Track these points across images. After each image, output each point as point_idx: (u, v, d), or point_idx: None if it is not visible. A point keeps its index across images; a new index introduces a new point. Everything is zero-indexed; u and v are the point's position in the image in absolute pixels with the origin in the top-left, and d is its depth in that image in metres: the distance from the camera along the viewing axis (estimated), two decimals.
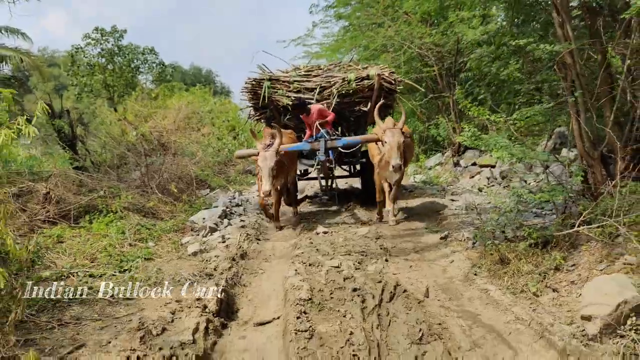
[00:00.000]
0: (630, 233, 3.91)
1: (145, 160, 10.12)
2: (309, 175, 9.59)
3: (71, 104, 19.91)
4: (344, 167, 9.59)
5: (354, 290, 4.19)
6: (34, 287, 4.15)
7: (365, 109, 8.45)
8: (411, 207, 8.51)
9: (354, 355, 3.14)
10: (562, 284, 3.98)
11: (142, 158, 10.88)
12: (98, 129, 16.12)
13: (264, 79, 8.56)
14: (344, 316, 3.73)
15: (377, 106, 7.12)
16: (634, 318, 3.06)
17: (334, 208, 8.99)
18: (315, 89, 8.53)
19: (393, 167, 6.11)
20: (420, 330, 3.46)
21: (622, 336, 3.05)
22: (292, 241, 6.50)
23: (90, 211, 7.39)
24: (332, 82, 8.51)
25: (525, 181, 7.78)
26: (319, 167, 7.69)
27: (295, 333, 3.44)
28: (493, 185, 9.50)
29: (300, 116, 8.14)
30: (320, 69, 9.29)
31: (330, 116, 8.04)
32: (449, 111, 13.20)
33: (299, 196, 9.56)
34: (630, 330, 3.03)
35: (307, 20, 32.91)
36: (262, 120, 9.50)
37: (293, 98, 8.47)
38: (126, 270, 5.20)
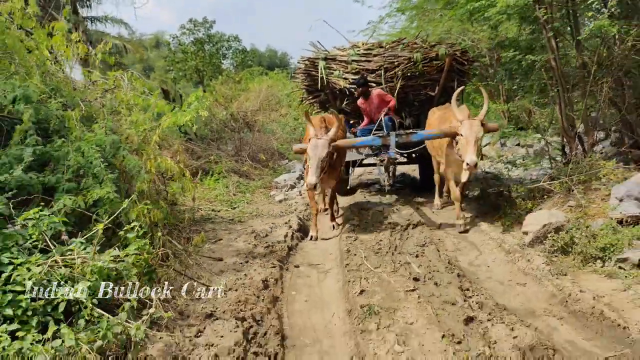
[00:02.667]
0: (577, 187, 5.77)
1: (238, 134, 12.66)
2: (365, 162, 8.24)
3: (169, 86, 23.02)
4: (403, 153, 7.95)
5: (389, 223, 6.34)
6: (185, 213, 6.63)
7: (432, 93, 7.71)
8: None
9: (379, 249, 5.28)
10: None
11: (232, 133, 13.51)
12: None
13: (318, 58, 7.80)
14: (379, 233, 5.89)
15: (457, 93, 6.01)
16: (552, 232, 4.95)
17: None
18: (377, 70, 7.62)
19: (468, 164, 5.18)
20: (424, 241, 5.54)
21: (544, 244, 4.96)
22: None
23: (200, 172, 9.96)
24: (396, 63, 7.57)
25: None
26: (381, 160, 6.70)
27: (346, 238, 5.66)
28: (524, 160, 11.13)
29: (357, 102, 7.48)
30: (382, 47, 8.04)
31: (392, 102, 7.25)
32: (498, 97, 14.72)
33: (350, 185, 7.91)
34: (550, 240, 4.93)
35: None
36: (316, 104, 8.93)
37: (351, 80, 7.59)
38: (235, 208, 7.64)
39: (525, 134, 8.99)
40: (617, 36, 6.29)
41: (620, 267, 4.16)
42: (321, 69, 7.64)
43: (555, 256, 4.67)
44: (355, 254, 5.04)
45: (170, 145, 7.34)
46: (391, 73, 7.58)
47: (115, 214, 3.58)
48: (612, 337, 3.22)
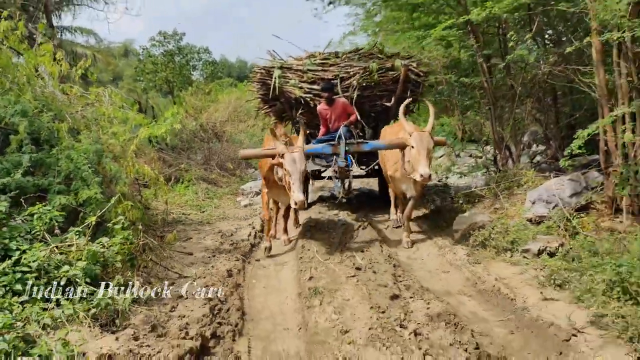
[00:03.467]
0: (503, 193, 6.70)
1: (207, 144, 13.33)
2: (322, 175, 8.21)
3: (139, 95, 23.42)
4: (362, 166, 8.12)
5: (342, 224, 7.14)
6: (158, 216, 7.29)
7: (388, 103, 7.76)
8: None
9: (330, 245, 6.05)
10: None
11: (202, 143, 14.17)
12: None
13: (274, 67, 7.78)
14: (332, 232, 6.67)
15: (404, 105, 6.01)
16: (476, 230, 5.82)
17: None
18: (333, 79, 7.63)
19: (422, 175, 5.13)
20: (370, 239, 6.35)
21: (468, 240, 5.82)
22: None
23: (171, 179, 10.59)
24: (352, 73, 7.64)
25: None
26: (334, 170, 6.48)
27: (302, 237, 6.43)
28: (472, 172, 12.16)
29: (319, 107, 7.38)
30: (338, 57, 8.09)
31: (354, 116, 7.32)
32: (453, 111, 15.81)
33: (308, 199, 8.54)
34: (473, 236, 5.77)
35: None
36: (271, 114, 8.94)
37: (307, 89, 7.64)
38: (204, 211, 8.31)
39: (476, 146, 9.94)
40: (540, 61, 7.30)
41: (524, 257, 5.04)
42: (276, 77, 7.58)
43: (476, 249, 5.54)
44: (309, 249, 5.80)
45: (145, 154, 7.96)
46: (347, 83, 7.60)
47: (103, 211, 4.24)
48: (504, 308, 4.08)
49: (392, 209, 7.35)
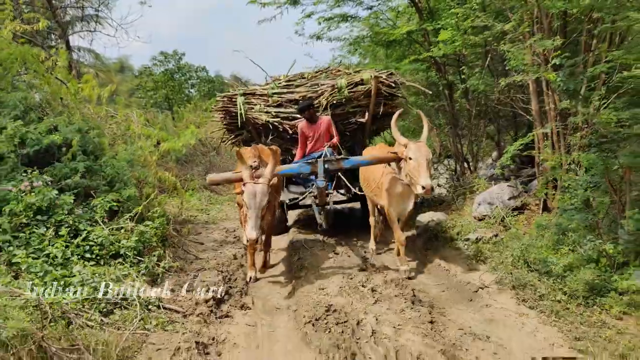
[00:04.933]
0: (460, 197, 8.13)
1: (206, 157, 14.70)
2: (301, 203, 7.38)
3: (134, 110, 24.77)
4: (341, 191, 7.52)
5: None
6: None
7: (362, 119, 7.39)
8: None
9: (314, 240, 7.40)
10: None
11: (202, 156, 15.57)
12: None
13: (236, 94, 7.45)
14: (316, 234, 8.04)
15: (396, 116, 5.47)
16: (432, 226, 7.21)
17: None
18: (300, 100, 7.29)
19: (423, 187, 4.72)
20: (348, 237, 7.71)
21: (426, 233, 7.20)
22: None
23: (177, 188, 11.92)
24: (320, 92, 7.36)
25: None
26: (314, 195, 6.09)
27: (292, 235, 7.80)
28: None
29: (300, 126, 7.03)
30: (304, 78, 7.94)
31: (335, 139, 6.89)
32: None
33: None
34: (428, 230, 7.16)
35: None
36: (239, 144, 8.21)
37: (274, 113, 7.36)
38: (209, 214, 9.67)
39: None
40: (496, 88, 8.79)
41: (465, 244, 6.44)
42: (240, 104, 7.26)
43: (431, 241, 6.92)
44: (297, 240, 7.17)
45: (165, 163, 9.33)
46: (316, 103, 7.21)
47: (146, 202, 5.61)
48: (443, 279, 5.45)
49: (372, 239, 6.70)
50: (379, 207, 6.44)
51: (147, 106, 26.06)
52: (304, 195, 6.78)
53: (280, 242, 7.38)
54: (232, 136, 8.30)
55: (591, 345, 3.41)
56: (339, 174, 6.31)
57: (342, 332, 3.80)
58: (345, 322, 4.00)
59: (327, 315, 4.12)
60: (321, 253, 6.41)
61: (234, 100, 7.42)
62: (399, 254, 5.65)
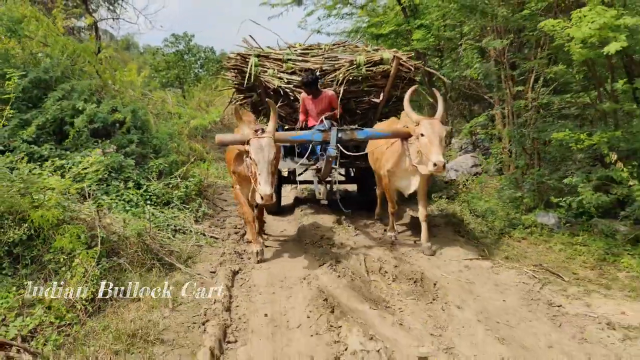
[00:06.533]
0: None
1: (219, 132, 16.46)
2: (299, 178, 7.69)
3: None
4: (340, 171, 7.60)
5: None
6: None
7: (376, 100, 7.23)
8: None
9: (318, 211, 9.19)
10: None
11: (214, 131, 17.36)
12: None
13: (250, 55, 7.15)
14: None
15: (409, 92, 5.38)
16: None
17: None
18: (315, 71, 6.98)
19: (435, 165, 4.62)
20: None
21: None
22: None
23: (203, 156, 13.74)
24: (338, 66, 7.11)
25: None
26: (316, 168, 6.23)
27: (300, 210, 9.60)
28: None
29: (302, 96, 6.88)
30: (321, 49, 7.71)
31: (336, 112, 6.77)
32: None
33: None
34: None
35: None
36: (247, 106, 8.11)
37: (287, 79, 7.09)
38: (225, 179, 11.47)
39: None
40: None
41: (433, 201, 8.20)
42: (252, 65, 6.94)
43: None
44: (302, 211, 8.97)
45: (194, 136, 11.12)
46: (331, 76, 7.07)
47: (188, 165, 7.40)
48: (408, 219, 7.22)
49: (390, 222, 6.32)
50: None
51: (160, 85, 27.77)
52: (303, 170, 7.14)
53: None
54: (242, 97, 8.10)
55: (488, 252, 5.24)
56: (342, 149, 5.77)
57: (330, 247, 5.61)
58: (332, 244, 5.80)
59: (321, 240, 5.93)
60: (324, 220, 8.20)
61: (247, 60, 7.12)
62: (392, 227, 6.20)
